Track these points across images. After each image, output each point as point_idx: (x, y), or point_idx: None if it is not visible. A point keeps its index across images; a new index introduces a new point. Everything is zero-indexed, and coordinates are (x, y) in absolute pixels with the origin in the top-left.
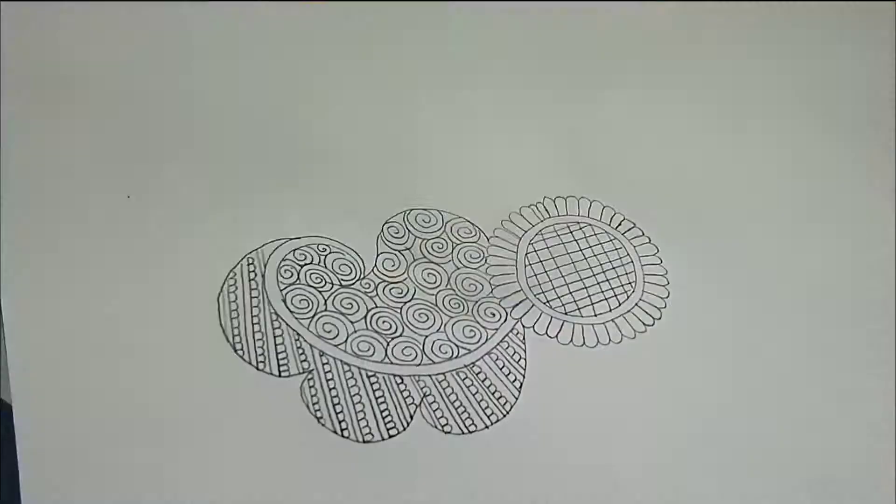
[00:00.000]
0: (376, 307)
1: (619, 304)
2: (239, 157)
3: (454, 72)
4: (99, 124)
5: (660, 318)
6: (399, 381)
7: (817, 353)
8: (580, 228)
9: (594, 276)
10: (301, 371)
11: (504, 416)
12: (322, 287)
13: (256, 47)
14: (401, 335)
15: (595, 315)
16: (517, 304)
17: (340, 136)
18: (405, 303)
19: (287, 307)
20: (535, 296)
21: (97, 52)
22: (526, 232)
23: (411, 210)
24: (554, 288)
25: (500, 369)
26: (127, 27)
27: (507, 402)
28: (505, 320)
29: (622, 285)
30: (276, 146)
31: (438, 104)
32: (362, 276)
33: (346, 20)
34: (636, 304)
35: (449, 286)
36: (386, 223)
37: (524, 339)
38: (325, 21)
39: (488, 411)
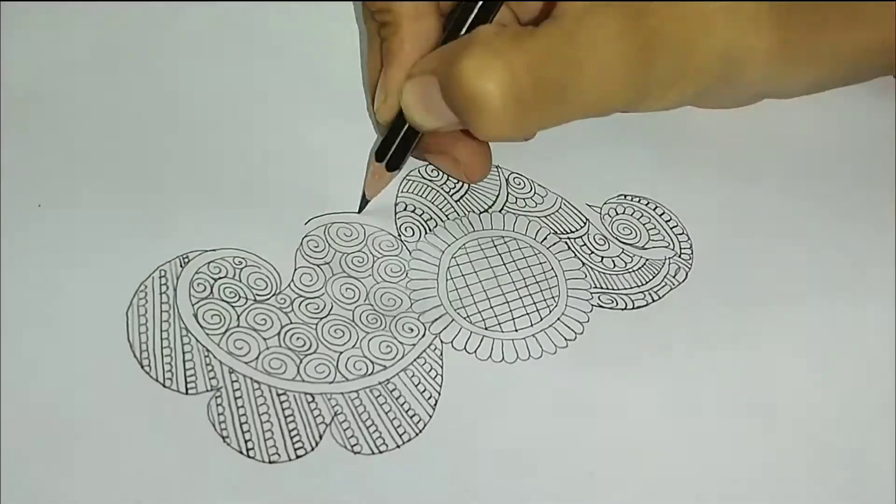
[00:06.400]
0: (291, 323)
1: (541, 319)
2: (154, 166)
3: None
4: (9, 130)
5: (582, 334)
6: (310, 399)
7: (738, 375)
8: (504, 242)
9: (517, 290)
10: (209, 389)
11: (416, 434)
12: (236, 302)
13: (172, 55)
14: (315, 352)
15: (516, 330)
16: (436, 320)
17: (261, 146)
18: (321, 318)
19: (198, 322)
20: (455, 311)
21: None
22: (449, 245)
23: (332, 223)
24: (475, 303)
25: (416, 386)
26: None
27: (420, 420)
28: (423, 336)
29: (545, 300)
30: (192, 156)
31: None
32: (278, 291)
33: (260, 25)
34: (558, 319)
35: (367, 301)
36: (306, 236)
37: (442, 355)
38: (239, 26)
39: (400, 430)
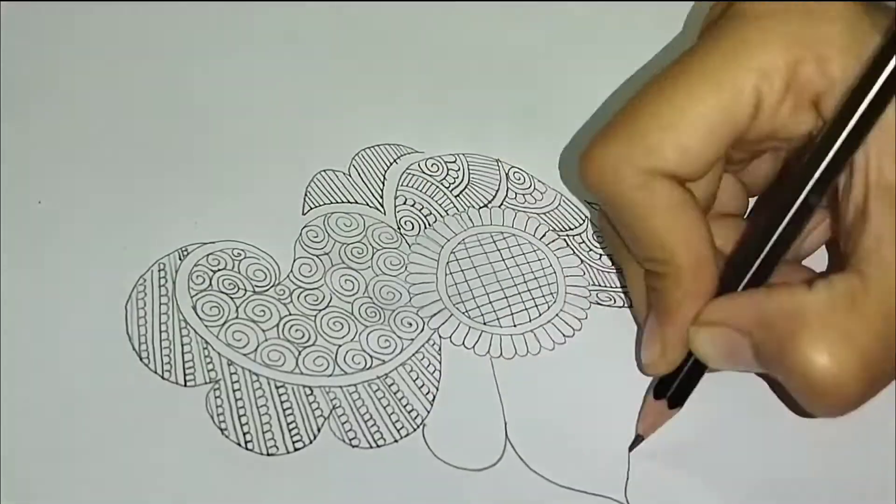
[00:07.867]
0: (290, 314)
1: (540, 315)
2: (152, 159)
3: (384, 71)
4: (9, 127)
5: (580, 330)
6: (308, 392)
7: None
8: (504, 238)
9: (515, 286)
10: (207, 381)
11: (414, 429)
12: (234, 294)
13: (169, 48)
14: (313, 344)
15: (514, 326)
16: (435, 314)
17: (258, 137)
18: (320, 310)
19: (197, 314)
20: (454, 305)
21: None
22: (449, 240)
23: (332, 213)
24: (474, 298)
25: (414, 381)
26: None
27: (418, 415)
28: (422, 330)
29: (543, 296)
30: (190, 149)
31: (364, 103)
32: (277, 283)
33: (253, 20)
34: (556, 316)
35: (366, 294)
36: (305, 227)
37: (440, 349)
38: (232, 20)
39: (398, 424)
